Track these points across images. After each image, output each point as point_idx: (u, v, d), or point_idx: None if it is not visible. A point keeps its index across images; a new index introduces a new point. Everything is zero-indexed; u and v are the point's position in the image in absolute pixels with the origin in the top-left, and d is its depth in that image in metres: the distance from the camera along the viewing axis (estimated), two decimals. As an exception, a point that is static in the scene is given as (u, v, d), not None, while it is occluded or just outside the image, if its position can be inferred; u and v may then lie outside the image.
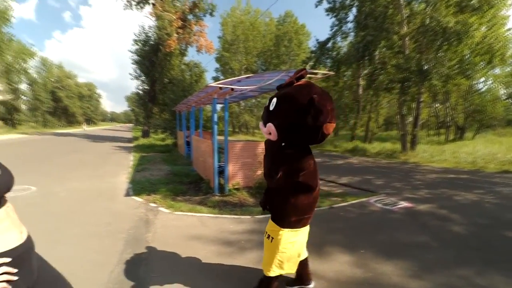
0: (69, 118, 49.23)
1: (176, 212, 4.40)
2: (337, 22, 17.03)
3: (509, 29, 12.28)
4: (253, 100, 34.77)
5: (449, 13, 10.80)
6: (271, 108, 1.78)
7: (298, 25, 34.62)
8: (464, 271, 2.68)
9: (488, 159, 7.62)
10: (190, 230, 3.66)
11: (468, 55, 12.33)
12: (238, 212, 4.36)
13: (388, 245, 3.26)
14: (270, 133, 1.78)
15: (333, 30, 17.22)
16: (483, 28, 11.45)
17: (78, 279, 2.58)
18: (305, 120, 1.65)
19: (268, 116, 1.80)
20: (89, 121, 58.81)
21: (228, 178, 5.44)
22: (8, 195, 1.14)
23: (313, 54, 18.65)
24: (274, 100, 1.78)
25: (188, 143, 10.69)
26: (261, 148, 5.74)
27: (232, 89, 4.82)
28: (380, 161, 12.08)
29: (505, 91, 21.93)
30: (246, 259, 2.90)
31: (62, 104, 45.74)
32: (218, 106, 8.77)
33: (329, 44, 17.62)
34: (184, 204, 4.79)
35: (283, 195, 1.91)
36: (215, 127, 5.18)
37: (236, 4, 37.09)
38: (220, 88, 4.70)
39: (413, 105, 14.61)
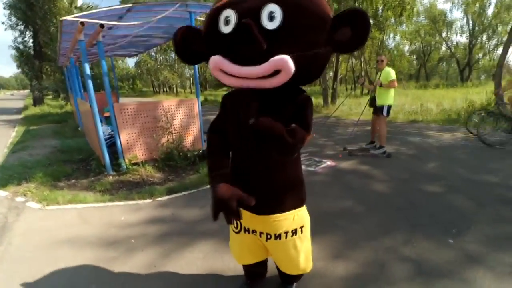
0: None
1: (49, 207, 3.16)
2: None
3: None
4: (173, 55, 29.98)
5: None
6: (272, 26, 0.87)
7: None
8: (391, 241, 2.31)
9: (397, 110, 8.07)
10: (63, 233, 2.58)
11: (382, 8, 12.66)
12: (135, 195, 3.32)
13: (312, 216, 2.74)
14: (273, 73, 0.92)
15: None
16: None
17: None
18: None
19: (271, 43, 0.88)
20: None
21: (123, 151, 4.19)
22: None
23: None
24: (276, 8, 0.86)
25: (82, 109, 8.57)
26: (161, 108, 4.50)
27: (102, 25, 3.30)
28: (304, 116, 12.03)
29: (409, 47, 24.52)
30: (133, 265, 2.08)
31: None
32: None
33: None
34: (64, 192, 3.50)
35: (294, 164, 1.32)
36: (89, 82, 3.70)
37: None
38: (82, 23, 3.15)
39: (333, 60, 14.81)
